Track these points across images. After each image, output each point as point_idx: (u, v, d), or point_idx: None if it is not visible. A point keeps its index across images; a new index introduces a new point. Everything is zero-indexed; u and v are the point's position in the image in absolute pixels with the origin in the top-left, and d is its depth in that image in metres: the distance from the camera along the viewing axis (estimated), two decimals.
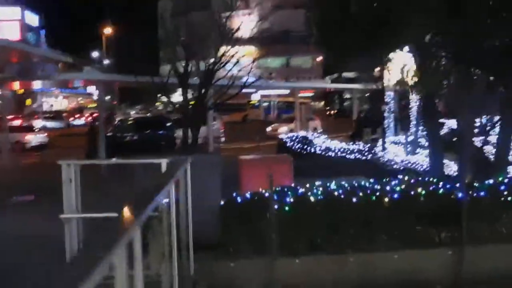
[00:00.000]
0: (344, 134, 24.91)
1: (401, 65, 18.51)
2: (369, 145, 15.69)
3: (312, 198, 6.35)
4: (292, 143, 14.81)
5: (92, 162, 6.30)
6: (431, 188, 6.72)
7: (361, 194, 6.48)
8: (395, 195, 6.42)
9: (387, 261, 6.28)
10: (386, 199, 6.38)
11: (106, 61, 44.30)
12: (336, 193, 6.54)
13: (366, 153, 14.54)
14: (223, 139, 22.91)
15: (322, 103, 59.25)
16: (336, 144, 15.38)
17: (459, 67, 9.46)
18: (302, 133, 15.54)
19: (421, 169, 14.19)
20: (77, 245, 5.47)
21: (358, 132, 21.92)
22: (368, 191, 6.59)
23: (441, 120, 24.89)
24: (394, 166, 14.08)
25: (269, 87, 30.76)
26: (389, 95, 19.05)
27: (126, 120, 25.78)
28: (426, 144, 18.41)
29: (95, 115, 42.10)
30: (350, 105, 65.99)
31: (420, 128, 17.75)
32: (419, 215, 6.35)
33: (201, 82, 10.62)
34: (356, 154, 14.45)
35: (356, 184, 6.93)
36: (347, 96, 62.91)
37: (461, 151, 9.69)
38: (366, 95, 35.93)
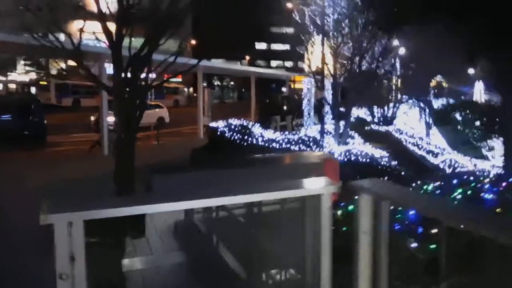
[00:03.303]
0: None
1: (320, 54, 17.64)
2: (313, 136, 14.30)
3: None
4: (230, 133, 12.62)
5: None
6: None
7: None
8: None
9: None
10: None
11: None
12: None
13: (310, 144, 13.16)
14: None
15: (191, 88, 57.01)
16: (279, 135, 13.66)
17: None
18: (237, 121, 13.36)
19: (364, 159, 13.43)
20: None
21: (263, 118, 20.59)
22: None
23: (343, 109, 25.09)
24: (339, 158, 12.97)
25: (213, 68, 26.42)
26: (309, 83, 18.04)
27: None
28: (355, 134, 17.93)
29: None
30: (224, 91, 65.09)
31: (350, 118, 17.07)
32: None
33: (135, 57, 7.86)
34: (301, 145, 12.95)
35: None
36: (218, 83, 61.74)
37: None
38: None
